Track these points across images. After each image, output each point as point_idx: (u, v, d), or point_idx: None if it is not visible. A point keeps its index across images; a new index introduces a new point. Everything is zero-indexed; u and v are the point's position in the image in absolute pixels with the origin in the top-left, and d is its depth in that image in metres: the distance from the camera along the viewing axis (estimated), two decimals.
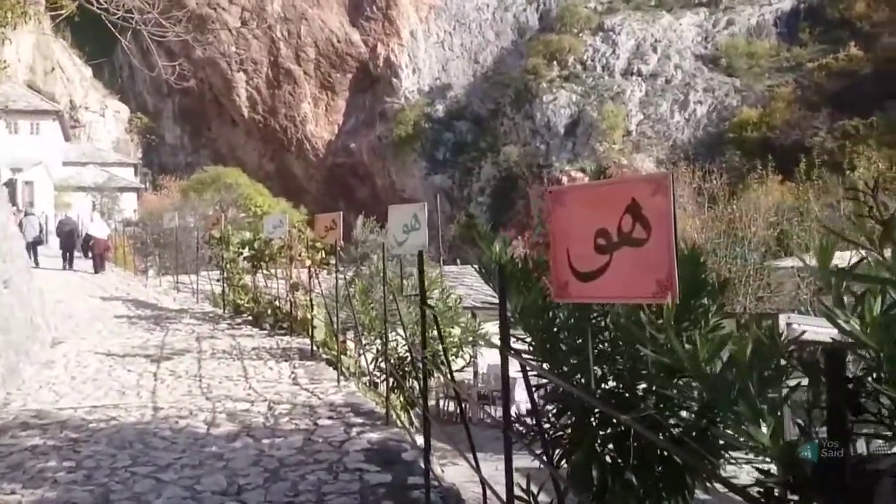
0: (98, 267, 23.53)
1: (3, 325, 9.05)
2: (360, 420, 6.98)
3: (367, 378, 9.63)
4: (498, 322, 3.86)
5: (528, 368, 4.15)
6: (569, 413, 4.26)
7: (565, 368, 4.15)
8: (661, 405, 4.03)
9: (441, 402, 16.53)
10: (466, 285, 30.21)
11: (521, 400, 20.80)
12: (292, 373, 9.34)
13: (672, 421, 3.87)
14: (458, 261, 41.90)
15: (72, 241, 24.76)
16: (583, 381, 4.20)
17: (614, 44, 69.98)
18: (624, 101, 65.62)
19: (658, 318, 2.67)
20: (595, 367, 4.12)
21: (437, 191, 66.02)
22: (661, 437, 3.99)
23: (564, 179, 62.42)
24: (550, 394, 4.23)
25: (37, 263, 22.47)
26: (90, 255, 24.53)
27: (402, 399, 9.40)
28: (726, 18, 70.24)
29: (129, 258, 26.51)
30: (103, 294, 17.76)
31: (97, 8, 15.14)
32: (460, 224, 63.89)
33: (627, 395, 4.14)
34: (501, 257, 4.14)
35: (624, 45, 69.83)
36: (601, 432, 4.18)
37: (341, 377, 8.83)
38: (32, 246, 23.15)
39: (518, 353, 3.87)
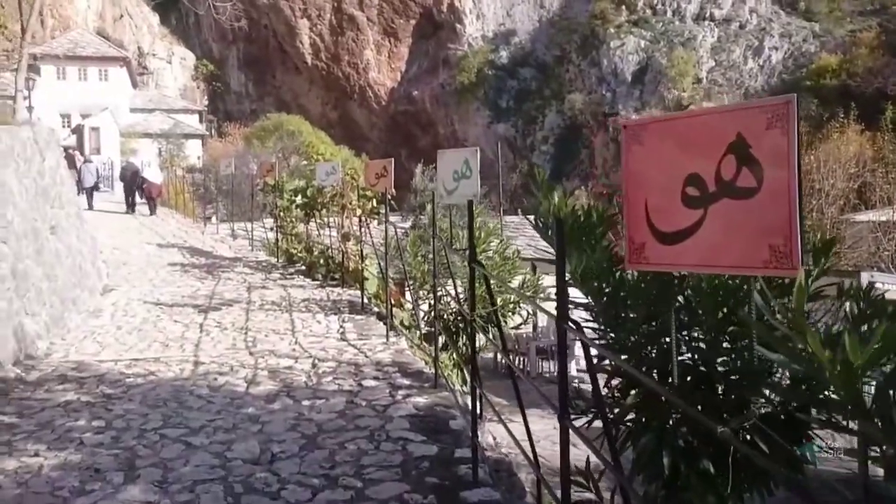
0: (151, 209, 24.97)
1: (49, 271, 8.83)
2: (407, 382, 6.51)
3: (419, 333, 9.17)
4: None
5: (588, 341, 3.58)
6: (636, 391, 3.69)
7: (633, 339, 3.57)
8: (746, 382, 3.44)
9: (498, 356, 16.06)
10: (527, 236, 29.54)
11: (579, 355, 20.06)
12: (341, 327, 8.93)
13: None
14: (520, 211, 41.20)
15: (134, 185, 25.90)
16: (653, 354, 3.62)
17: None
18: (695, 46, 63.22)
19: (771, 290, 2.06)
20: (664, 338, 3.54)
21: (500, 139, 64.99)
22: (746, 421, 3.41)
23: None
24: (614, 368, 3.65)
25: (91, 207, 24.11)
26: (144, 197, 25.80)
27: (454, 357, 8.94)
28: None
29: (189, 205, 26.51)
30: (160, 241, 17.68)
31: None
32: (522, 173, 62.92)
33: (704, 369, 3.56)
34: (561, 209, 3.54)
35: None
36: (674, 413, 3.61)
37: (391, 332, 8.38)
38: (89, 191, 24.92)
39: (578, 327, 3.29)
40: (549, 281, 14.07)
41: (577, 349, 22.34)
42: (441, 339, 7.65)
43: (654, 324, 3.48)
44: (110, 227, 19.81)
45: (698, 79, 62.00)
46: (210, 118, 69.91)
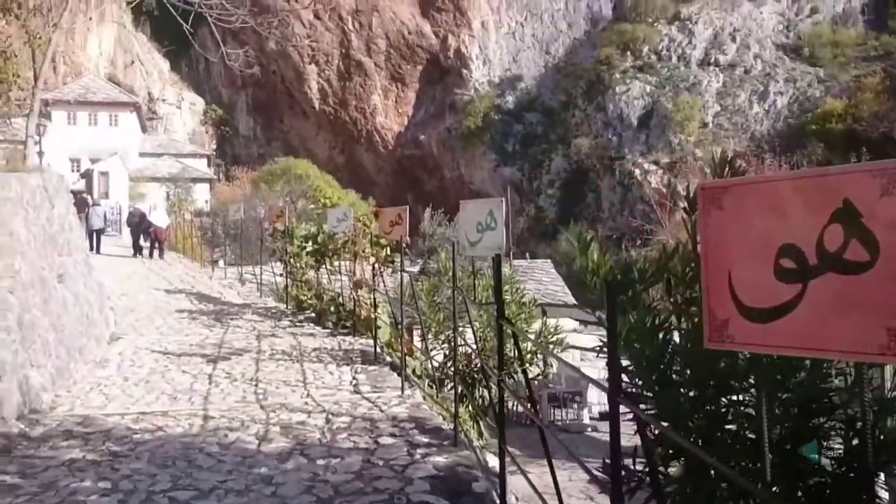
0: (159, 253, 25.21)
1: (56, 321, 8.64)
2: (425, 439, 6.25)
3: (434, 385, 8.92)
4: (569, 317, 3.08)
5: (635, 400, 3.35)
6: (682, 459, 3.45)
7: (680, 404, 3.34)
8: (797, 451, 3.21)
9: (510, 403, 15.74)
10: (535, 280, 29.36)
11: (592, 401, 19.68)
12: (353, 378, 8.68)
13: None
14: (528, 255, 41.01)
15: (140, 230, 26.08)
16: (701, 421, 3.39)
17: (691, 33, 68.01)
18: (700, 91, 63.63)
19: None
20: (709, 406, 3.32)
21: (506, 183, 65.12)
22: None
23: (637, 172, 60.75)
24: (661, 436, 3.41)
25: (98, 251, 24.35)
26: (150, 241, 25.91)
27: (470, 408, 8.68)
28: (810, 6, 67.66)
29: (197, 249, 26.39)
30: (168, 286, 17.51)
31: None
32: (529, 217, 62.84)
33: (754, 436, 3.32)
34: (600, 266, 3.34)
35: (701, 35, 67.81)
36: (723, 484, 3.37)
37: (406, 384, 8.12)
38: (96, 235, 25.11)
39: (632, 399, 3.07)
40: (561, 322, 13.81)
41: (591, 396, 22.02)
42: (458, 390, 7.40)
43: (700, 389, 3.26)
44: (118, 273, 19.65)
45: (704, 123, 62.30)
46: (218, 162, 70.31)
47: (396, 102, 76.23)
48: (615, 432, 2.96)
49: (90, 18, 67.44)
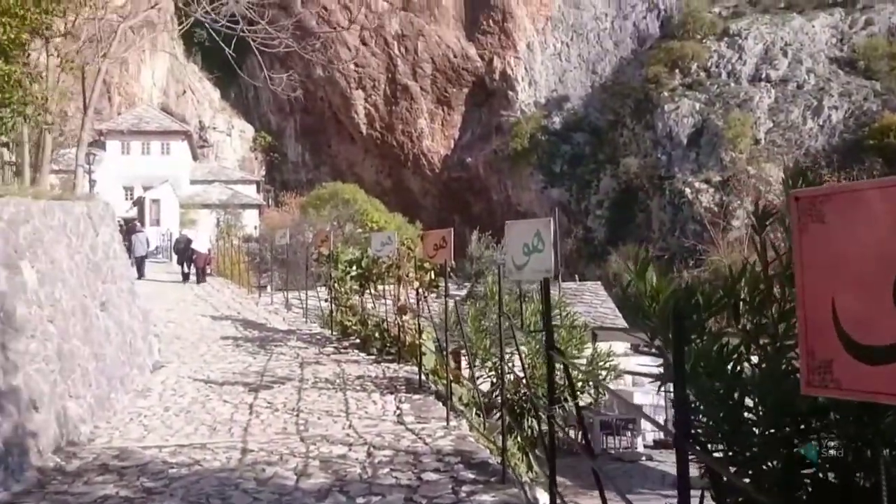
0: (199, 278, 26.17)
1: (97, 350, 8.53)
2: (471, 475, 5.91)
3: (481, 413, 8.57)
4: (619, 341, 2.73)
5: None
6: None
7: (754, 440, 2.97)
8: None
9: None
10: (585, 302, 28.76)
11: (646, 428, 19.03)
12: (397, 408, 8.38)
13: None
14: (577, 277, 40.39)
15: (187, 255, 27.02)
16: (775, 466, 3.00)
17: (741, 49, 66.93)
18: (751, 108, 62.44)
19: None
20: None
21: (554, 204, 64.57)
22: None
23: (687, 191, 59.73)
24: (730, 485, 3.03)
25: (141, 276, 25.09)
26: (193, 267, 26.87)
27: (518, 439, 8.30)
28: (864, 18, 66.11)
29: (244, 275, 26.48)
30: (214, 313, 17.48)
31: (221, 26, 14.98)
32: (578, 238, 62.12)
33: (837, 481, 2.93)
34: (660, 292, 2.99)
35: (751, 50, 66.70)
36: None
37: (451, 414, 7.79)
38: (140, 261, 25.92)
39: (706, 451, 2.70)
40: (614, 349, 13.35)
41: (646, 423, 21.33)
42: (506, 421, 7.04)
43: (780, 429, 2.88)
44: (167, 299, 19.76)
45: (756, 140, 61.05)
46: (267, 188, 71.19)
47: (443, 125, 76.41)
48: (685, 491, 2.58)
49: (143, 50, 69.29)
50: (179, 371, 10.75)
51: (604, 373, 8.80)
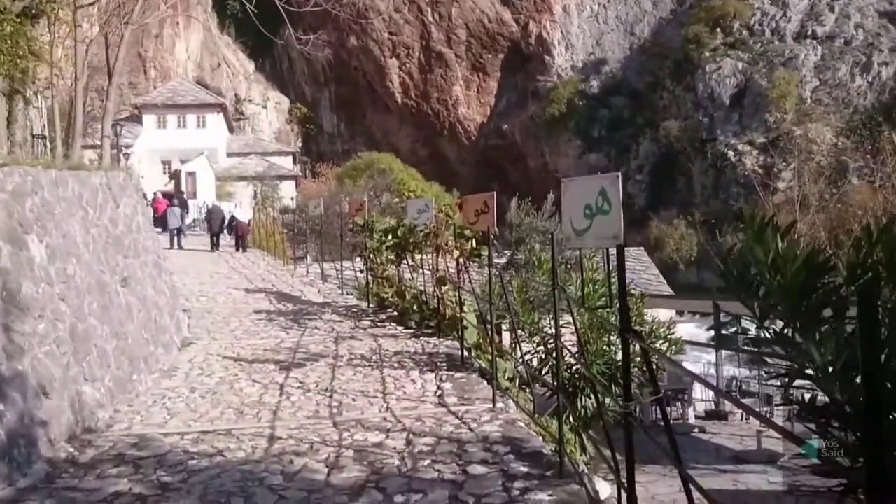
0: (239, 246, 27.13)
1: (118, 328, 7.99)
2: (523, 468, 5.23)
3: (528, 387, 7.90)
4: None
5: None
6: None
7: None
8: None
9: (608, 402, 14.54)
10: (628, 269, 27.91)
11: (696, 397, 18.17)
12: (438, 388, 7.73)
13: None
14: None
15: (218, 227, 28.10)
16: None
17: (785, 5, 64.62)
18: (797, 66, 60.35)
19: None
20: None
21: (592, 170, 63.42)
22: None
23: (730, 153, 58.05)
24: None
25: (181, 246, 26.85)
26: (234, 236, 28.13)
27: (570, 419, 7.61)
28: None
29: (280, 246, 26.02)
30: (248, 286, 16.98)
31: None
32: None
33: None
34: (787, 260, 2.25)
35: (796, 7, 64.39)
36: None
37: (497, 395, 7.12)
38: (176, 233, 27.21)
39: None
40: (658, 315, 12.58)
41: (696, 393, 20.53)
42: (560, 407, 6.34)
43: None
44: (200, 272, 19.34)
45: (802, 99, 59.00)
46: (304, 159, 70.98)
47: (478, 92, 75.29)
48: None
49: (177, 23, 69.08)
50: (209, 348, 10.21)
51: (665, 345, 8.04)
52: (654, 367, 3.94)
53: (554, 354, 8.09)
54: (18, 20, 12.77)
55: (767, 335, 2.52)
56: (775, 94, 58.02)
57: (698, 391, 20.74)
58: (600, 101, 67.98)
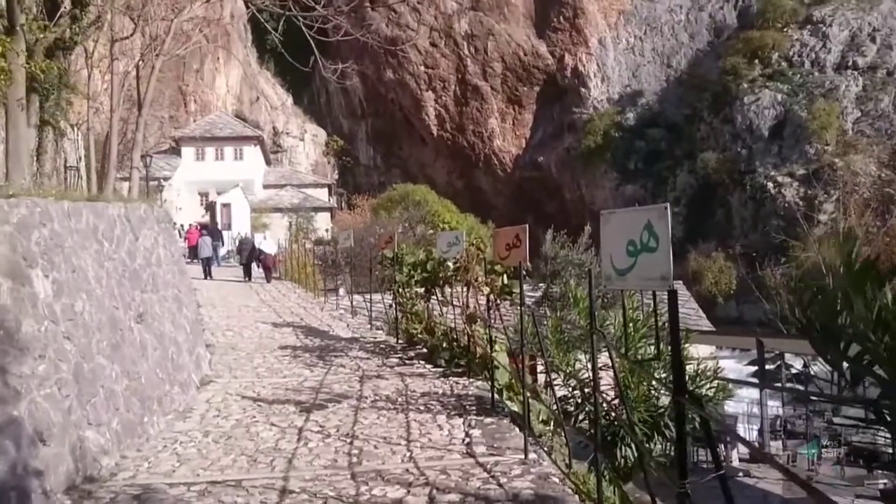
0: (268, 277, 28.34)
1: (129, 368, 7.60)
2: None
3: (562, 431, 7.33)
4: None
5: None
6: None
7: None
8: None
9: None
10: (666, 302, 27.11)
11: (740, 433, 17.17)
12: (466, 435, 7.19)
13: None
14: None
15: (250, 257, 29.38)
16: None
17: (825, 36, 63.74)
18: (837, 97, 59.36)
19: None
20: None
21: (629, 202, 62.78)
22: None
23: (770, 185, 56.92)
24: None
25: (210, 276, 27.69)
26: (261, 267, 29.34)
27: (609, 472, 7.02)
28: None
29: (311, 279, 25.70)
30: (276, 319, 16.62)
31: (301, 20, 14.15)
32: None
33: None
34: None
35: (836, 38, 63.46)
36: None
37: (529, 442, 6.57)
38: (206, 263, 28.49)
39: None
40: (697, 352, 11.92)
41: (740, 429, 19.67)
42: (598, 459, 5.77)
43: None
44: (229, 305, 19.07)
45: (843, 130, 57.87)
46: (340, 191, 71.33)
47: (514, 125, 75.19)
48: None
49: (218, 58, 70.21)
50: (229, 387, 9.79)
51: (712, 391, 7.41)
52: (714, 434, 3.40)
53: (591, 400, 7.53)
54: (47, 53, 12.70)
55: (836, 383, 1.99)
56: (816, 126, 57.04)
57: (741, 429, 19.90)
58: (637, 134, 67.44)
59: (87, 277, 7.23)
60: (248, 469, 6.41)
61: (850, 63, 62.35)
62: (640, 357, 6.92)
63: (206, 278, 26.66)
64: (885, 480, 16.83)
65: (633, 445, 6.75)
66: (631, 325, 7.02)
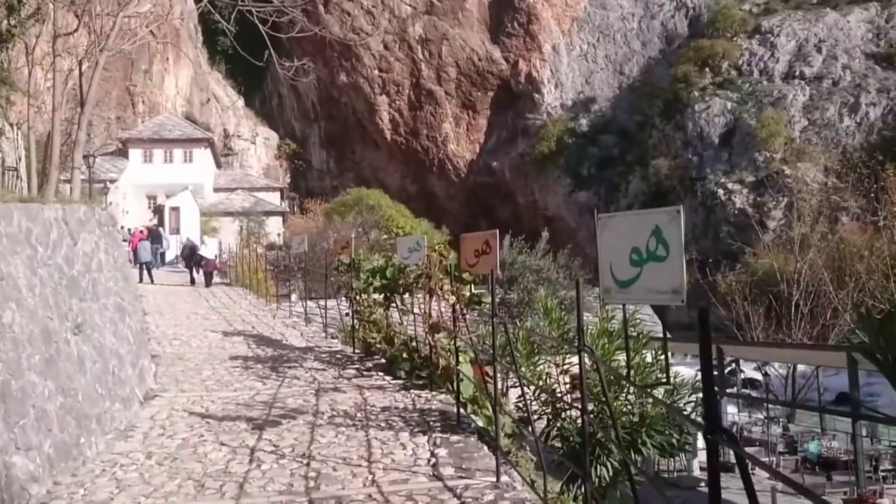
0: (207, 281, 28.20)
1: (65, 384, 6.97)
2: None
3: (540, 467, 6.93)
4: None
5: None
6: None
7: None
8: None
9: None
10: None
11: (701, 446, 17.23)
12: (432, 455, 6.72)
13: None
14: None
15: (192, 259, 29.87)
16: None
17: (773, 46, 64.83)
18: (785, 106, 60.34)
19: None
20: None
21: (582, 208, 63.18)
22: None
23: (720, 192, 57.65)
24: None
25: (151, 281, 27.97)
26: (201, 272, 29.30)
27: (583, 490, 6.63)
28: None
29: (263, 284, 24.98)
30: (226, 328, 15.94)
31: (256, 15, 13.55)
32: None
33: None
34: None
35: (784, 47, 64.56)
36: None
37: (501, 465, 6.13)
38: (146, 267, 28.52)
39: None
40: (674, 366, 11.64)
41: (701, 442, 19.51)
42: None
43: None
44: (177, 312, 18.31)
45: (791, 139, 58.86)
46: (292, 195, 70.26)
47: (468, 130, 74.97)
48: None
49: (167, 59, 68.63)
50: (175, 402, 9.15)
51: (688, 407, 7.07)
52: (750, 475, 3.00)
53: (563, 417, 7.14)
54: None
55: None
56: (764, 134, 57.94)
57: (700, 438, 19.78)
58: (590, 140, 67.77)
59: (18, 285, 6.60)
60: (195, 496, 5.85)
61: (797, 73, 63.51)
62: (617, 368, 6.54)
63: (140, 282, 25.92)
64: (846, 489, 16.84)
65: (608, 464, 6.36)
66: (605, 337, 6.64)
